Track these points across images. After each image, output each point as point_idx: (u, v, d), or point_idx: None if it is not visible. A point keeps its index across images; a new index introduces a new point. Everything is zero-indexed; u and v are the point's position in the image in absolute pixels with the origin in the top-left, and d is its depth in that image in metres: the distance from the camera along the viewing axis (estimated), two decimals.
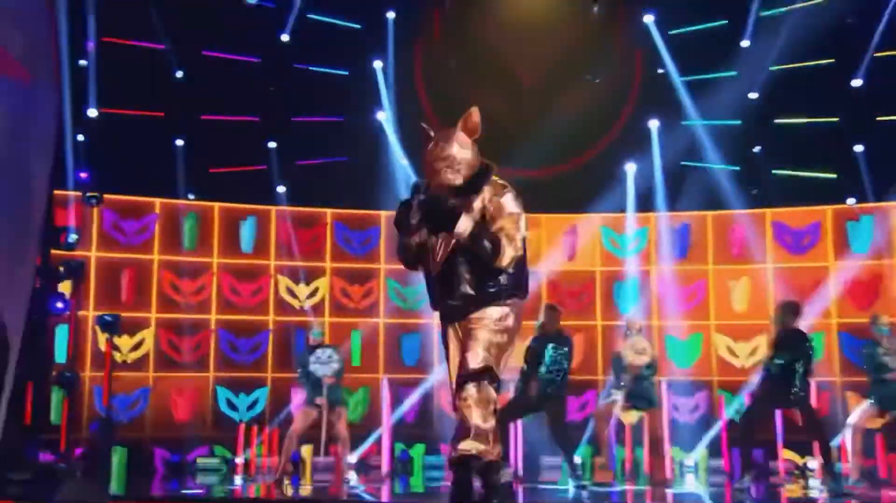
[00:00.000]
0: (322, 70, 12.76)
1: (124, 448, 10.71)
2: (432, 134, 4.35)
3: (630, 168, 12.94)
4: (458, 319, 4.27)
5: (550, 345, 8.33)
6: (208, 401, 12.06)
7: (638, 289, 12.74)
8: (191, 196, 12.28)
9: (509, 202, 4.20)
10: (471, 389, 4.06)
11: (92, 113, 10.74)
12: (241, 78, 12.24)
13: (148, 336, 11.92)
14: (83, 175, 9.92)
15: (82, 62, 11.12)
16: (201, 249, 12.24)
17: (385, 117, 12.86)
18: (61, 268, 9.87)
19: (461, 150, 4.19)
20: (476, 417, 4.03)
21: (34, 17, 8.22)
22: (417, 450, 11.18)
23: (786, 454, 10.01)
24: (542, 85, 12.95)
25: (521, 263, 4.26)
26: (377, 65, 12.90)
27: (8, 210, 7.62)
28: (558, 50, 12.85)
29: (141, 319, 11.85)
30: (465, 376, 4.10)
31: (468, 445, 4.04)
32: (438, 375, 11.84)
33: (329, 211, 12.68)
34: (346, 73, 12.85)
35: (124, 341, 11.70)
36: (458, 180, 4.18)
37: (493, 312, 4.19)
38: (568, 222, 13.09)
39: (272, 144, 12.64)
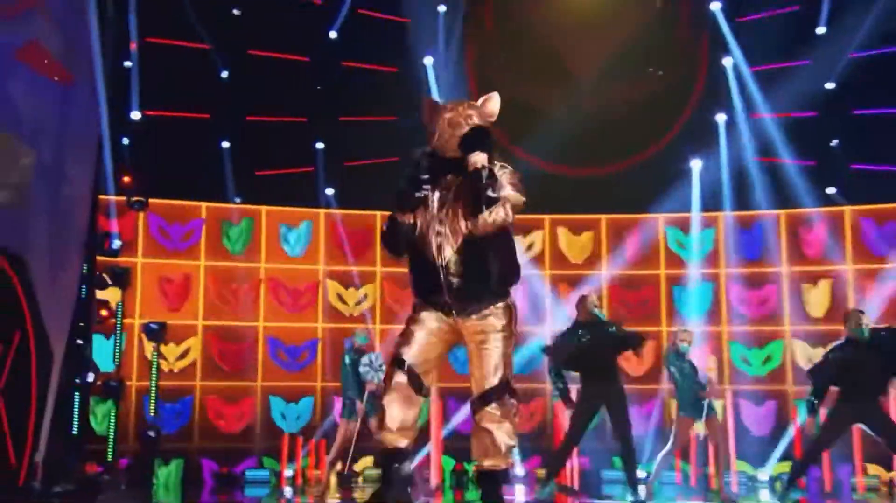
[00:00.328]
0: (371, 67, 12.72)
1: (171, 459, 10.80)
2: (442, 103, 4.29)
3: (695, 165, 12.68)
4: (458, 314, 4.13)
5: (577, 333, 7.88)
6: (256, 410, 12.11)
7: (704, 293, 12.46)
8: (237, 199, 12.35)
9: (512, 175, 4.13)
10: (494, 408, 4.04)
11: (135, 115, 10.87)
12: (287, 77, 12.29)
13: (194, 344, 12.01)
14: (126, 179, 10.05)
15: (127, 63, 11.26)
16: (249, 254, 12.31)
17: None
18: (106, 276, 10.05)
19: (480, 118, 4.16)
20: (503, 435, 4.04)
21: (75, 18, 8.39)
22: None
23: (871, 469, 9.71)
24: (599, 79, 12.74)
25: (514, 249, 4.21)
26: (427, 61, 12.85)
27: (50, 215, 7.75)
28: (616, 41, 12.65)
29: (187, 327, 11.95)
30: (486, 395, 4.06)
31: (497, 462, 4.09)
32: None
33: (379, 213, 12.64)
34: (396, 69, 12.78)
35: (170, 349, 11.81)
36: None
37: (499, 317, 4.12)
38: (630, 223, 12.87)
39: (320, 145, 12.66)
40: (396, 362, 4.13)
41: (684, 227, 12.74)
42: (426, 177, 4.07)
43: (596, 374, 7.44)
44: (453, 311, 4.11)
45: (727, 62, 12.64)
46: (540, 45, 12.90)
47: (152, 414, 10.78)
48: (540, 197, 12.00)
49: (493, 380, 4.04)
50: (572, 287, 12.64)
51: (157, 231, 12.04)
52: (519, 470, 11.38)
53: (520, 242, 12.72)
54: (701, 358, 8.82)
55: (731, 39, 12.52)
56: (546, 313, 12.38)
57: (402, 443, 4.12)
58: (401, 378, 4.10)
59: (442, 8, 12.92)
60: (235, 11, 12.27)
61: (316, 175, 12.57)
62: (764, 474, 10.91)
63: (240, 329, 12.21)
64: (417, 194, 4.05)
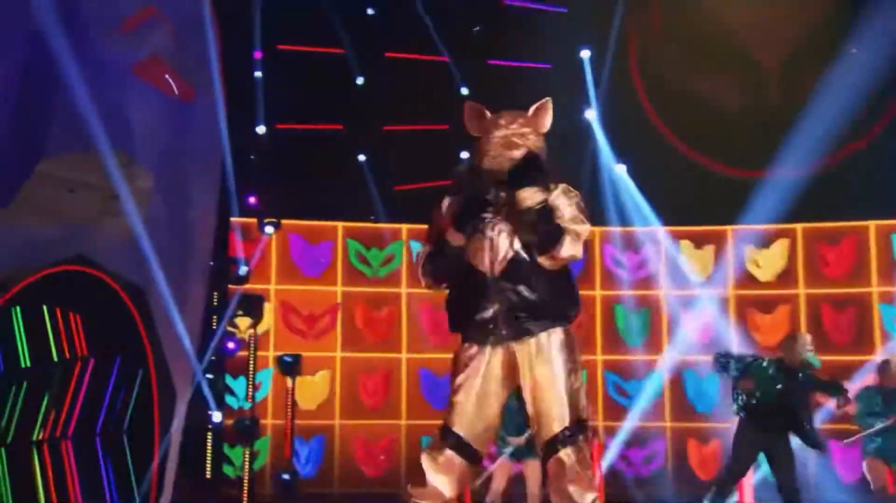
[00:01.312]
0: (522, 64, 12.64)
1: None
2: (487, 113, 4.24)
3: None
4: (511, 339, 4.04)
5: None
6: (401, 451, 12.14)
7: None
8: (372, 218, 12.48)
9: (575, 200, 4.11)
10: (567, 456, 3.91)
11: (260, 130, 11.18)
12: (427, 80, 12.36)
13: (332, 378, 12.18)
14: (252, 200, 10.31)
15: (257, 74, 11.60)
16: (390, 278, 12.41)
17: (594, 116, 12.56)
18: (236, 306, 10.33)
19: (536, 136, 4.15)
20: (578, 495, 3.90)
21: (196, 29, 8.71)
22: None
23: None
24: (787, 67, 12.19)
25: (573, 277, 4.16)
26: (584, 55, 12.67)
27: (171, 242, 8.05)
28: (805, 23, 12.06)
29: (325, 359, 12.14)
30: (556, 440, 3.93)
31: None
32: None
33: None
34: (550, 66, 12.65)
35: (308, 383, 12.00)
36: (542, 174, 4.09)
37: (559, 342, 4.02)
38: (832, 232, 12.21)
39: (465, 154, 12.62)
40: (444, 432, 4.03)
41: None
42: (490, 198, 4.05)
43: (774, 422, 7.42)
44: (503, 333, 4.02)
45: None
46: (715, 32, 12.48)
47: (287, 455, 10.98)
48: (719, 204, 11.93)
49: (564, 422, 3.94)
50: (759, 310, 12.11)
51: (292, 254, 12.30)
52: None
53: (695, 257, 12.35)
54: None
55: None
56: (721, 341, 11.88)
57: None
58: (449, 453, 4.01)
59: None
60: (370, 11, 12.46)
61: None
62: None
63: (382, 361, 12.30)
64: (481, 215, 4.03)
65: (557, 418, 3.94)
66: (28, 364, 8.01)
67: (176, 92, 8.32)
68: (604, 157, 12.52)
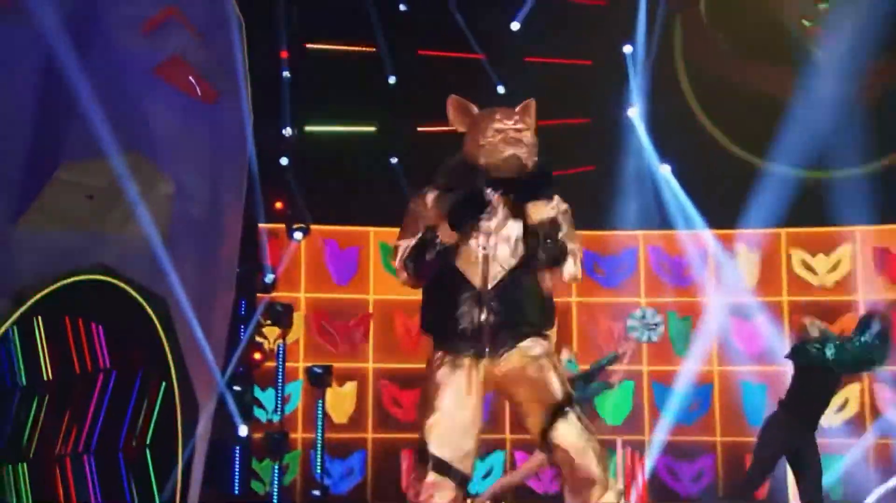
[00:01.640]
0: (560, 61, 12.58)
1: None
2: (474, 108, 4.20)
3: None
4: (491, 355, 4.01)
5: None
6: None
7: None
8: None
9: (569, 216, 4.12)
10: (573, 418, 3.97)
11: (287, 132, 11.21)
12: (463, 78, 12.31)
13: (364, 390, 12.18)
14: (278, 205, 10.33)
15: (285, 74, 11.62)
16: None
17: (636, 114, 12.46)
18: (263, 315, 10.37)
19: (532, 136, 4.10)
20: (594, 458, 3.93)
21: (220, 29, 8.76)
22: None
23: None
24: (844, 60, 12.00)
25: (551, 293, 4.19)
26: (627, 50, 12.60)
27: (194, 248, 8.09)
28: (863, 13, 11.86)
29: (357, 370, 12.14)
30: (562, 403, 3.98)
31: (611, 498, 3.95)
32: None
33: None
34: (590, 62, 12.58)
35: (338, 395, 12.01)
36: (530, 162, 4.05)
37: (539, 344, 4.07)
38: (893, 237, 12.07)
39: None
40: (421, 454, 3.96)
41: None
42: (488, 197, 4.03)
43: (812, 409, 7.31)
44: (486, 351, 3.99)
45: None
46: (768, 24, 12.34)
47: (319, 471, 10.99)
48: (770, 205, 11.78)
49: (560, 391, 4.01)
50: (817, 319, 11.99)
51: (326, 261, 12.33)
52: None
53: (744, 262, 12.17)
54: None
55: None
56: (775, 352, 11.73)
57: None
58: (431, 478, 3.90)
59: None
60: (402, 7, 12.46)
61: None
62: None
63: (416, 372, 12.25)
64: (479, 215, 4.00)
65: (556, 390, 4.00)
66: (50, 376, 8.10)
67: (199, 93, 8.36)
68: (647, 157, 12.42)
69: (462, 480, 3.94)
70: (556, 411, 3.94)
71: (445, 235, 3.98)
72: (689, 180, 12.22)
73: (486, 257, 4.00)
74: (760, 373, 11.93)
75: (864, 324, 7.37)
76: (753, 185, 11.83)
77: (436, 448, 3.90)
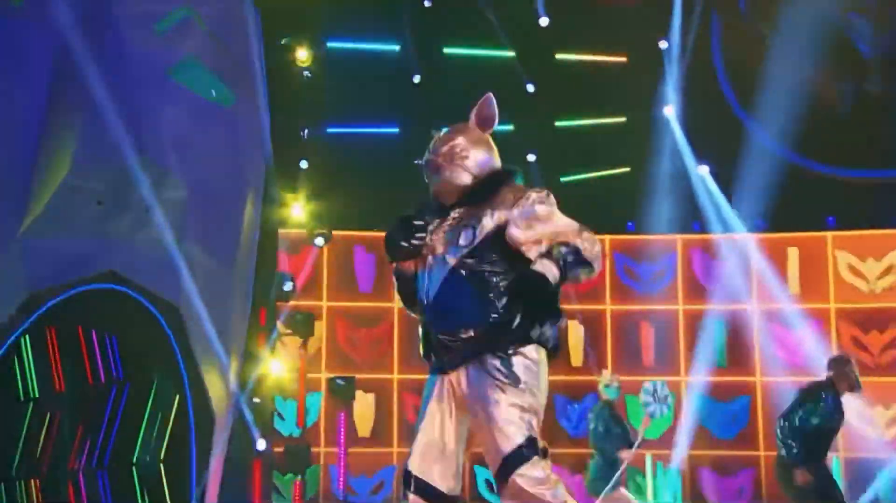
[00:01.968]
0: (593, 58, 12.55)
1: None
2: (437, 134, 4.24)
3: None
4: (452, 367, 3.94)
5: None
6: (467, 483, 12.08)
7: None
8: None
9: (542, 200, 3.96)
10: (521, 476, 3.75)
11: (306, 134, 11.23)
12: (490, 77, 12.29)
13: (389, 402, 12.18)
14: (297, 210, 10.35)
15: (305, 73, 11.65)
16: None
17: (672, 113, 12.40)
18: (282, 324, 10.39)
19: (468, 141, 4.10)
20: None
21: (236, 28, 8.78)
22: None
23: None
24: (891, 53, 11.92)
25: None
26: (662, 45, 12.56)
27: (209, 255, 8.09)
28: None
29: (381, 381, 12.13)
30: (508, 462, 3.77)
31: None
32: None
33: (608, 237, 12.41)
34: (625, 59, 12.54)
35: (362, 408, 12.01)
36: (465, 178, 4.04)
37: (505, 365, 3.87)
38: None
39: (531, 157, 12.57)
40: (405, 475, 3.93)
41: None
42: (420, 223, 4.01)
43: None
44: (444, 360, 3.93)
45: None
46: (812, 16, 12.21)
47: (341, 487, 10.99)
48: (815, 207, 11.67)
49: (511, 445, 3.76)
50: (865, 327, 11.92)
51: (356, 268, 12.34)
52: None
53: (787, 266, 12.06)
54: None
55: None
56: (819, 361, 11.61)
57: None
58: (412, 499, 3.88)
59: None
60: (427, 3, 12.47)
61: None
62: None
63: None
64: (409, 242, 3.98)
65: (504, 442, 3.79)
66: (63, 388, 8.14)
67: (214, 95, 8.39)
68: (684, 158, 12.35)
69: (443, 499, 3.93)
70: (503, 467, 3.81)
71: (399, 266, 4.11)
72: (728, 181, 12.13)
73: (430, 271, 4.00)
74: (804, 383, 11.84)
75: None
76: (797, 186, 11.74)
77: (415, 468, 3.92)
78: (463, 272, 3.93)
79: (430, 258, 4.02)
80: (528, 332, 3.90)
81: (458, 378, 3.94)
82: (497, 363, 3.87)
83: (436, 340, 3.97)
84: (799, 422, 7.46)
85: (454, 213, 4.05)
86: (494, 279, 3.90)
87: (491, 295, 3.90)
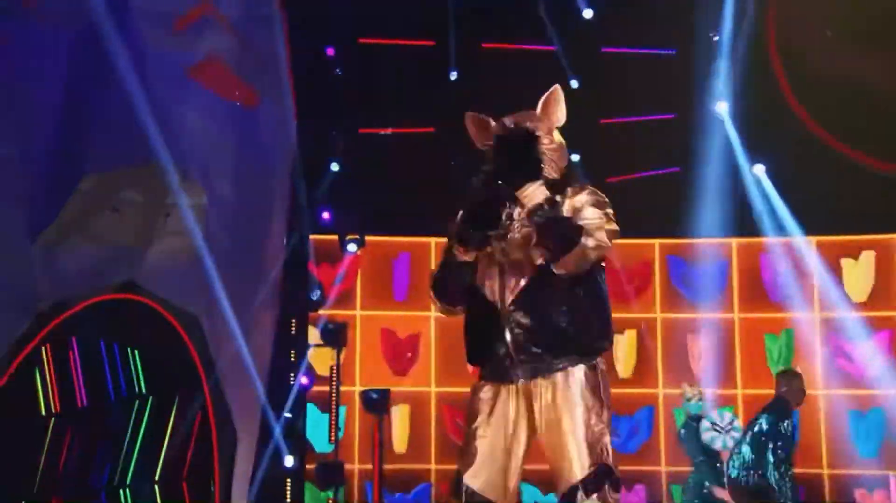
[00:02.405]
0: (641, 52, 12.46)
1: None
2: (491, 121, 4.32)
3: None
4: (524, 377, 3.95)
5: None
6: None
7: None
8: None
9: (590, 196, 4.06)
10: None
11: (336, 136, 11.26)
12: (529, 73, 12.24)
13: (426, 416, 12.16)
14: (325, 215, 10.36)
15: (338, 71, 11.67)
16: None
17: (725, 109, 12.28)
18: (312, 335, 10.42)
19: (548, 134, 4.19)
20: None
21: (259, 27, 8.84)
22: None
23: None
24: None
25: (604, 303, 4.02)
26: (714, 38, 12.41)
27: (232, 264, 8.16)
28: None
29: (417, 394, 12.12)
30: (576, 490, 3.79)
31: None
32: None
33: (657, 241, 12.33)
34: (673, 52, 12.43)
35: (399, 422, 12.01)
36: (552, 172, 4.09)
37: (581, 379, 3.91)
38: None
39: (575, 157, 12.48)
40: (456, 486, 3.95)
41: None
42: (499, 211, 4.00)
43: None
44: (518, 373, 3.92)
45: None
46: (872, 4, 12.08)
47: None
48: (880, 209, 11.50)
49: (583, 471, 3.80)
50: None
51: (395, 275, 12.35)
52: None
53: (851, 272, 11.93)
54: None
55: None
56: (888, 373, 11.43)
57: None
58: None
59: None
60: None
61: None
62: None
63: None
64: (488, 231, 3.96)
65: (577, 465, 3.82)
66: (84, 402, 8.23)
67: (238, 97, 8.45)
68: (738, 157, 12.22)
69: None
70: (575, 493, 3.83)
71: (460, 254, 4.02)
72: (786, 181, 12.00)
73: (501, 270, 3.97)
74: (870, 398, 11.67)
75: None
76: (860, 187, 11.59)
77: (470, 480, 3.94)
78: (550, 272, 3.91)
79: (499, 253, 4.01)
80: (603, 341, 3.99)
81: (530, 389, 3.96)
82: (582, 377, 3.92)
83: (505, 347, 3.93)
84: (772, 454, 7.55)
85: (517, 210, 4.02)
86: (577, 287, 3.94)
87: (582, 299, 3.95)
